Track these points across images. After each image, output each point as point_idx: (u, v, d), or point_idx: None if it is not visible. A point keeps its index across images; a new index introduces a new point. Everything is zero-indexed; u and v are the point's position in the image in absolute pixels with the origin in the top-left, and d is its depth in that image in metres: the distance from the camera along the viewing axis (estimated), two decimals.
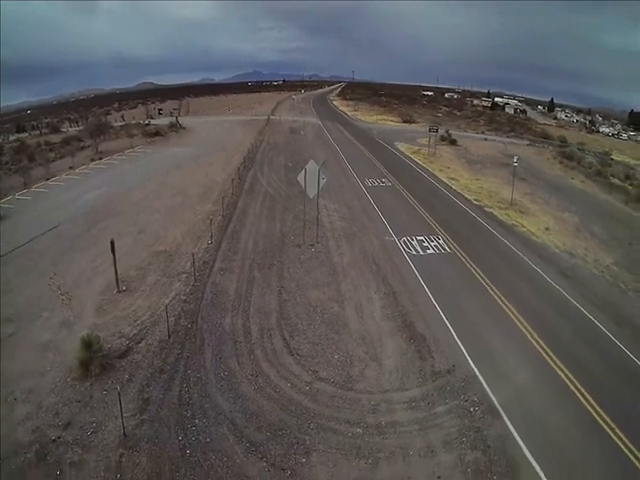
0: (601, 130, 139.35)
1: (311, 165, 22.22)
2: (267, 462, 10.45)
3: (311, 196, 22.36)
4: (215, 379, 12.82)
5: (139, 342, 14.37)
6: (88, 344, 12.74)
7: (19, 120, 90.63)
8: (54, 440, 10.85)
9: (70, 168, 39.61)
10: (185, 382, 12.64)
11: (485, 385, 12.98)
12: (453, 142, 60.49)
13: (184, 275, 18.67)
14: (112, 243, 17.39)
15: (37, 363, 13.56)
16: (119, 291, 17.54)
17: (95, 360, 12.81)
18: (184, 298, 16.80)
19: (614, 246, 26.37)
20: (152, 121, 68.59)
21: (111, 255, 17.54)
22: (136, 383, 12.55)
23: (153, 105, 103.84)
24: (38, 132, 67.75)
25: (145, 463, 10.25)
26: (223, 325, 15.25)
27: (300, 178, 22.28)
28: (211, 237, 22.30)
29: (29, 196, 31.17)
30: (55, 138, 57.17)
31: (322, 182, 22.25)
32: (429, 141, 52.78)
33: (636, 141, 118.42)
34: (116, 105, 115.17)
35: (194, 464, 10.27)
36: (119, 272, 17.80)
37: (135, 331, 14.98)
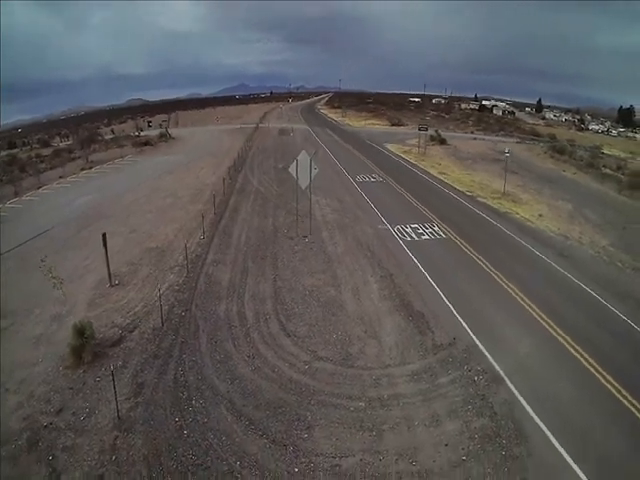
0: (590, 128, 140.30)
1: (302, 156, 22.08)
2: (268, 439, 10.10)
3: (303, 187, 22.18)
4: (211, 362, 12.47)
5: (132, 331, 14.01)
6: (80, 331, 12.36)
7: (10, 138, 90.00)
8: (46, 426, 10.46)
9: (60, 177, 39.33)
10: (180, 366, 12.28)
11: (488, 355, 12.75)
12: (443, 142, 60.72)
13: (177, 268, 18.35)
14: (104, 237, 17.09)
15: (29, 355, 13.17)
16: (111, 285, 17.18)
17: (87, 347, 12.44)
18: (177, 288, 16.48)
19: (609, 229, 26.33)
20: (142, 133, 68.40)
21: (102, 254, 17.23)
22: (130, 369, 12.19)
23: (142, 119, 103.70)
24: (29, 147, 67.28)
25: (141, 445, 9.87)
26: (218, 312, 14.91)
27: (292, 169, 22.08)
28: (203, 233, 22.02)
29: (20, 204, 30.84)
30: (46, 152, 56.84)
31: (314, 172, 22.06)
32: (419, 141, 52.94)
33: (626, 137, 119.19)
34: (105, 121, 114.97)
35: (192, 444, 9.89)
36: (111, 269, 17.43)
37: (128, 321, 14.62)
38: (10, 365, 12.47)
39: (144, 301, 15.86)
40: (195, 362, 12.45)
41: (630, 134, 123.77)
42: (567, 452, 9.69)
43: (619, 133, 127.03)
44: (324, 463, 9.51)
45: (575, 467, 9.35)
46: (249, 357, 12.65)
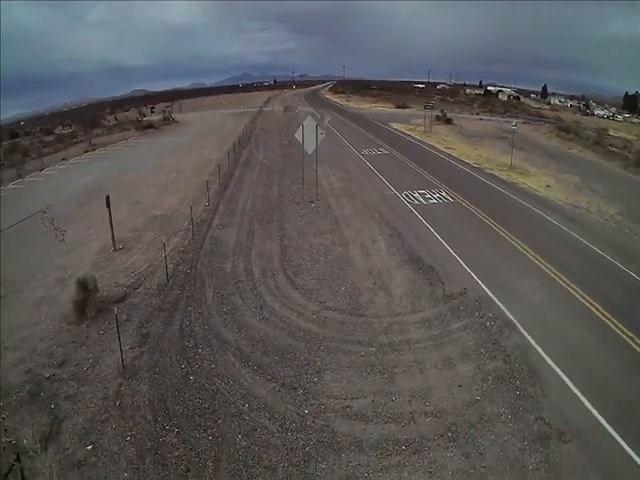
0: (595, 113, 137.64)
1: (308, 121, 21.70)
2: (277, 383, 9.85)
3: (310, 152, 21.78)
4: (217, 313, 12.22)
5: (136, 288, 13.78)
6: (83, 284, 12.11)
7: (12, 129, 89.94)
8: (48, 378, 10.24)
9: (63, 159, 39.11)
10: (186, 318, 12.04)
11: (499, 304, 12.42)
12: (449, 121, 59.74)
13: (181, 232, 18.09)
14: (107, 199, 16.84)
15: (30, 317, 12.93)
16: (115, 249, 16.96)
17: (90, 301, 12.18)
18: (182, 249, 16.23)
19: (616, 201, 25.69)
20: (144, 118, 67.92)
21: (105, 226, 16.92)
22: (134, 321, 11.96)
23: (145, 107, 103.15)
24: (32, 136, 67.13)
25: (146, 390, 9.65)
26: (224, 269, 14.65)
27: (298, 134, 21.70)
28: (208, 200, 21.73)
29: (23, 185, 30.67)
30: (48, 138, 56.66)
31: (320, 137, 21.66)
32: (424, 120, 52.09)
33: (631, 122, 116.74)
34: (108, 110, 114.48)
35: (198, 389, 9.66)
36: (115, 236, 17.16)
37: (132, 280, 14.39)
38: (10, 327, 12.15)
39: (148, 262, 15.61)
40: (201, 314, 12.21)
41: (635, 120, 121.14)
42: (581, 392, 9.42)
43: (625, 119, 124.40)
44: (335, 404, 9.25)
45: (590, 407, 9.10)
46: (256, 308, 12.39)
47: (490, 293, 12.90)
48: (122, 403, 9.25)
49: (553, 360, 10.29)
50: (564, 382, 9.69)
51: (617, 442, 8.32)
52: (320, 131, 21.61)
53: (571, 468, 7.84)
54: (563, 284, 13.58)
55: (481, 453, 8.11)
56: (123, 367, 10.25)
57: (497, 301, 12.47)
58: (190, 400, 9.32)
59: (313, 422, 8.78)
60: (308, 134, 21.51)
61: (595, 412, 8.93)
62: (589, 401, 9.20)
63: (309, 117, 21.36)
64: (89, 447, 8.25)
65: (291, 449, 8.23)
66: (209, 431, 8.59)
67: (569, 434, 8.48)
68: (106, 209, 16.77)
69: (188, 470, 7.85)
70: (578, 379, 9.72)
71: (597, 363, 10.31)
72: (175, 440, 8.41)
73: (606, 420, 8.76)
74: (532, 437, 8.41)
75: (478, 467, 7.86)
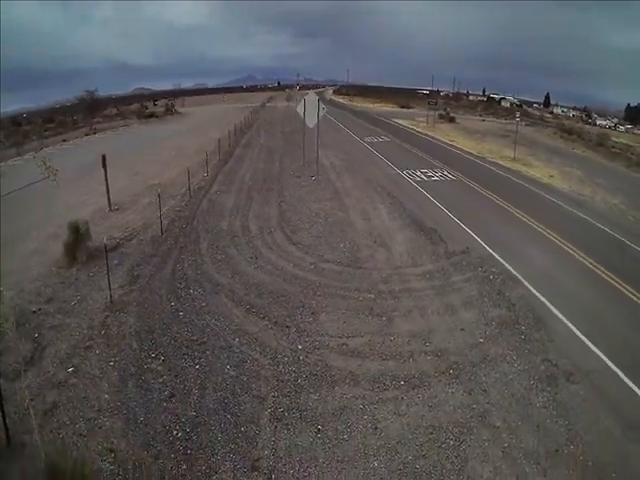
0: (598, 123, 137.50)
1: (310, 96, 21.45)
2: (270, 321, 9.42)
3: (311, 126, 21.48)
4: (211, 261, 11.81)
5: (130, 240, 13.37)
6: (75, 227, 11.68)
7: (15, 119, 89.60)
8: (34, 312, 9.81)
9: (64, 141, 38.76)
10: (179, 264, 11.63)
11: (503, 262, 12.08)
12: (452, 120, 59.53)
13: (179, 196, 17.74)
14: (103, 158, 16.43)
15: (22, 264, 12.48)
16: (111, 210, 16.57)
17: (82, 246, 11.74)
18: (178, 209, 15.88)
19: (619, 194, 25.32)
20: (147, 110, 67.69)
21: (102, 193, 16.49)
22: (125, 265, 11.56)
23: (148, 100, 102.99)
24: (34, 124, 66.77)
25: (133, 322, 9.23)
26: (220, 226, 14.28)
27: (299, 109, 21.41)
28: (207, 172, 21.36)
29: (21, 162, 30.27)
30: (50, 125, 56.38)
31: (322, 112, 21.38)
32: (427, 117, 51.88)
33: (633, 133, 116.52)
34: (112, 105, 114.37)
35: (187, 323, 9.24)
36: (112, 200, 16.75)
37: (126, 234, 13.99)
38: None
39: (144, 220, 15.23)
40: (195, 261, 11.82)
41: (637, 131, 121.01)
42: (590, 340, 9.07)
43: (627, 129, 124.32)
44: (330, 342, 8.82)
45: (599, 352, 8.73)
46: (252, 258, 11.99)
47: (494, 253, 12.52)
48: (107, 332, 8.84)
49: (560, 311, 9.91)
50: (571, 330, 9.29)
51: (628, 386, 7.89)
52: (322, 106, 21.32)
53: (581, 407, 7.42)
54: (568, 250, 13.23)
55: (485, 390, 7.68)
56: (111, 302, 9.83)
57: (501, 259, 12.09)
58: (178, 333, 8.90)
59: (306, 357, 8.35)
60: (310, 108, 21.23)
61: (604, 357, 8.51)
62: (598, 347, 8.81)
63: (311, 92, 21.10)
64: (70, 369, 7.79)
65: (282, 381, 7.80)
66: (196, 361, 8.16)
67: (578, 376, 8.08)
68: (103, 179, 16.36)
69: (172, 395, 7.41)
70: (586, 328, 9.34)
71: (603, 314, 10.00)
72: (160, 368, 7.98)
73: (616, 365, 8.33)
74: (539, 377, 8.00)
75: (482, 403, 7.43)
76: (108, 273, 9.90)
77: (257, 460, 6.29)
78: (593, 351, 8.66)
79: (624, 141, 70.08)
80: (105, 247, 10.02)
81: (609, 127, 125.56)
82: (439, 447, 6.59)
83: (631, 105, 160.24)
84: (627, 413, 7.23)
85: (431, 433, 6.81)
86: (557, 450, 6.58)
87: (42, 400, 7.14)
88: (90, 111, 46.16)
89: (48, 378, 7.65)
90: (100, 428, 6.66)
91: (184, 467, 6.13)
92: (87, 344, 8.52)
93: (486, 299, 10.11)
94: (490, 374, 8.02)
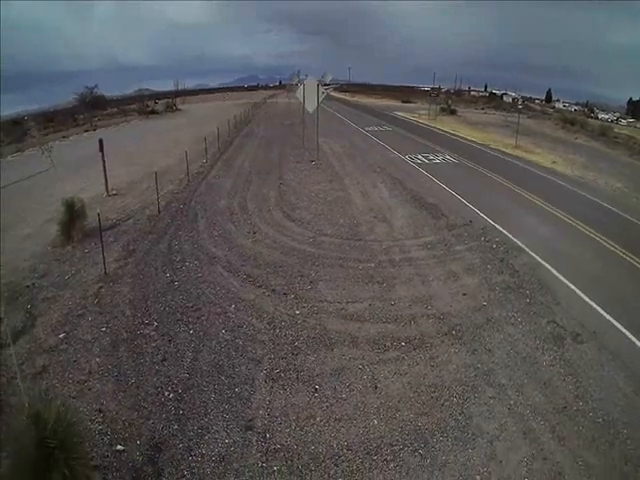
0: (599, 117, 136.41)
1: (309, 81, 21.17)
2: (267, 289, 9.19)
3: (310, 111, 21.24)
4: (208, 237, 11.61)
5: (126, 220, 13.17)
6: (70, 205, 11.48)
7: (16, 119, 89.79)
8: (28, 286, 9.59)
9: (63, 137, 38.68)
10: (175, 239, 11.43)
11: (505, 232, 11.86)
12: (453, 112, 59.11)
13: (177, 181, 17.56)
14: (100, 142, 16.25)
15: (17, 246, 12.28)
16: (109, 195, 16.36)
17: (77, 224, 11.54)
18: (176, 192, 15.72)
19: (622, 178, 24.98)
20: (148, 108, 67.63)
21: (100, 182, 16.26)
22: (121, 242, 11.37)
23: (149, 99, 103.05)
24: (34, 123, 66.85)
25: (127, 292, 9.01)
26: (218, 205, 14.09)
27: (299, 93, 21.16)
28: (206, 159, 21.15)
29: (21, 157, 30.19)
30: (50, 123, 56.39)
31: (322, 96, 21.12)
32: (429, 110, 51.50)
33: (635, 127, 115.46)
34: (112, 104, 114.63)
35: (182, 292, 9.02)
36: (110, 187, 16.55)
37: (122, 216, 13.79)
38: None
39: (141, 203, 15.05)
40: (191, 237, 11.62)
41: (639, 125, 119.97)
42: (596, 302, 8.85)
43: (628, 123, 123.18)
44: (328, 307, 8.58)
45: (605, 314, 8.52)
46: (249, 233, 11.77)
47: (496, 225, 12.24)
48: (101, 301, 8.63)
49: (564, 276, 9.65)
50: (576, 293, 9.05)
51: (637, 345, 7.60)
52: (322, 89, 21.06)
53: (589, 365, 7.16)
54: (571, 222, 12.97)
55: (489, 350, 7.43)
56: (105, 274, 9.61)
57: (504, 230, 11.86)
58: (173, 300, 8.69)
59: (304, 321, 8.11)
60: (309, 93, 20.97)
61: (611, 318, 8.24)
62: (603, 309, 8.53)
63: (310, 77, 20.83)
64: (61, 335, 7.58)
65: (278, 344, 7.56)
66: (190, 326, 7.94)
67: (584, 336, 7.82)
68: (101, 170, 16.17)
69: (164, 359, 7.18)
70: (591, 291, 9.10)
71: (607, 278, 9.81)
72: (153, 333, 7.76)
73: (623, 325, 8.05)
74: (545, 337, 7.76)
75: (486, 362, 7.17)
76: (102, 243, 9.71)
77: (251, 420, 6.05)
78: (600, 313, 8.42)
79: (627, 132, 69.53)
80: (98, 215, 9.76)
81: (611, 121, 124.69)
82: (442, 405, 6.34)
83: (633, 99, 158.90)
84: (638, 370, 6.95)
85: (433, 392, 6.57)
86: (565, 407, 6.31)
87: (32, 364, 6.95)
88: (90, 108, 45.91)
89: (39, 344, 7.46)
90: (90, 390, 6.45)
91: (175, 427, 5.90)
92: (79, 312, 8.32)
93: (489, 266, 9.84)
94: (494, 335, 7.77)
